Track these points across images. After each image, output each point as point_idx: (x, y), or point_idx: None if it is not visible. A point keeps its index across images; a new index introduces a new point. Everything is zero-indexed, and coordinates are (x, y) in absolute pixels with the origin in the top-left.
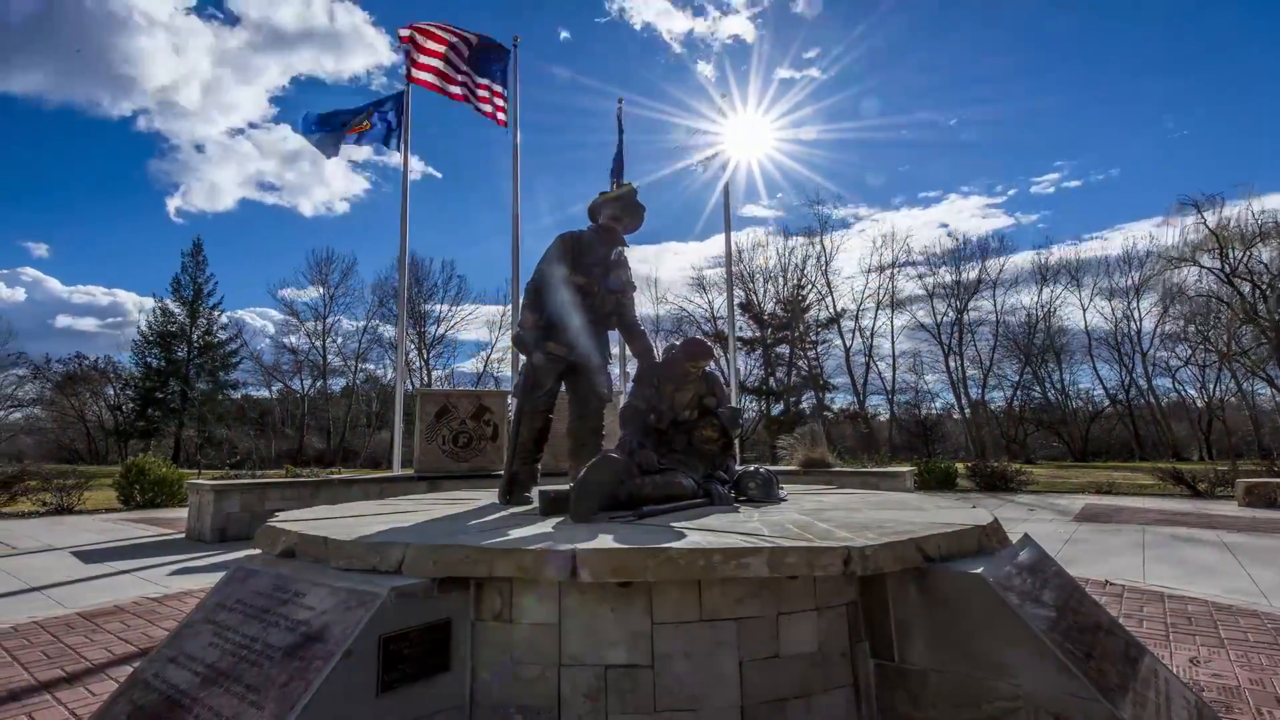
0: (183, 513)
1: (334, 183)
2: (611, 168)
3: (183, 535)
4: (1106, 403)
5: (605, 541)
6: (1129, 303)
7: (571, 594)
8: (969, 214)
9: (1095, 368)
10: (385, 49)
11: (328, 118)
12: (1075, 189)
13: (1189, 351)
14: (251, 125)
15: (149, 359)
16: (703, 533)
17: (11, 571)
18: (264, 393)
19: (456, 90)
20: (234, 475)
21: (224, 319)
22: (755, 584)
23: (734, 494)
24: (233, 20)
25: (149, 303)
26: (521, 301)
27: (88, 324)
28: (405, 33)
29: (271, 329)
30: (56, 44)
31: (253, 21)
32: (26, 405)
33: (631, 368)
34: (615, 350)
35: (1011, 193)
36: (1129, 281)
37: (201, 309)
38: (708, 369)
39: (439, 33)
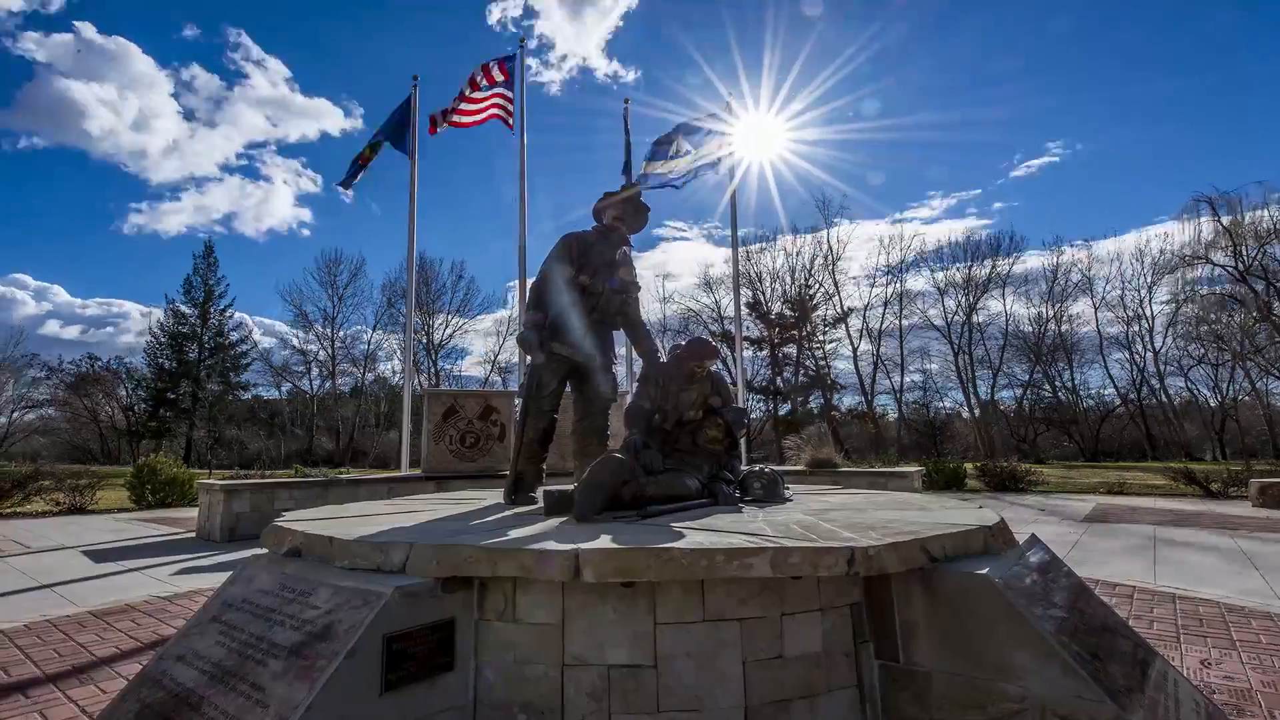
0: (193, 512)
1: (280, 210)
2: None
3: (193, 535)
4: (1118, 402)
5: (608, 541)
6: (1141, 301)
7: (575, 594)
8: (971, 213)
9: (1106, 367)
10: (333, 115)
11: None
12: (1078, 190)
13: (1202, 350)
14: (223, 173)
15: (161, 360)
16: (706, 533)
17: (24, 570)
18: (274, 393)
19: (468, 120)
20: (244, 475)
21: (234, 320)
22: (758, 584)
23: (739, 494)
24: (190, 115)
25: (152, 312)
26: (526, 302)
27: (72, 331)
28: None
29: (272, 340)
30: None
31: (205, 98)
32: (41, 406)
33: (638, 368)
34: (621, 351)
35: (1016, 191)
36: (1141, 280)
37: (212, 311)
38: (712, 369)
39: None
